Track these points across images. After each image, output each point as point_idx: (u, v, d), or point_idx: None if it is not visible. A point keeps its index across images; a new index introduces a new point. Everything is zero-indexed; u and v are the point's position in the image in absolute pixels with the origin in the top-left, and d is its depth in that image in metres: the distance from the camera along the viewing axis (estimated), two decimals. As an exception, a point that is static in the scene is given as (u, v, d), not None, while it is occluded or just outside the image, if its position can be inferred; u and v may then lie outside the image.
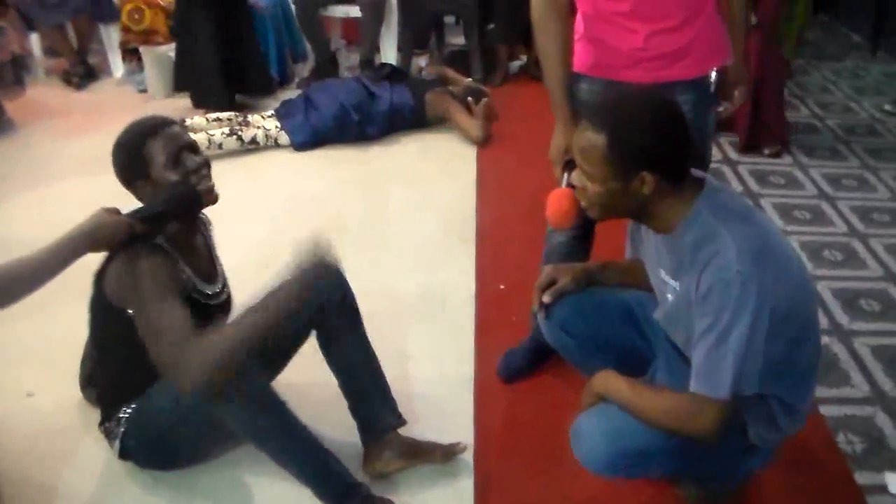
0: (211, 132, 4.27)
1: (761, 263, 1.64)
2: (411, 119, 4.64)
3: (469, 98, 4.63)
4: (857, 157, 4.50)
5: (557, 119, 2.29)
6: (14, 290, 1.75)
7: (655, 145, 1.68)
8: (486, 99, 4.65)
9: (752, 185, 4.14)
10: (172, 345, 1.82)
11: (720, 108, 2.46)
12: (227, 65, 4.78)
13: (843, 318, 3.02)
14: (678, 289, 1.82)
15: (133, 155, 1.98)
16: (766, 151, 4.45)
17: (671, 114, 1.72)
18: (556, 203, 2.03)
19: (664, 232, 1.81)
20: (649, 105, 1.72)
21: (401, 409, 2.28)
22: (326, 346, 2.26)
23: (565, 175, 2.01)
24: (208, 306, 2.12)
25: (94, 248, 1.91)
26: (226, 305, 2.23)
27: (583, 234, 2.48)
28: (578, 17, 2.27)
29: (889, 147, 4.66)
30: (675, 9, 2.15)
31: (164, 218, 1.98)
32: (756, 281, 1.62)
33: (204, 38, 4.69)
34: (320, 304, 2.22)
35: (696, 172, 1.80)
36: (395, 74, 4.87)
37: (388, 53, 5.58)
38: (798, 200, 3.98)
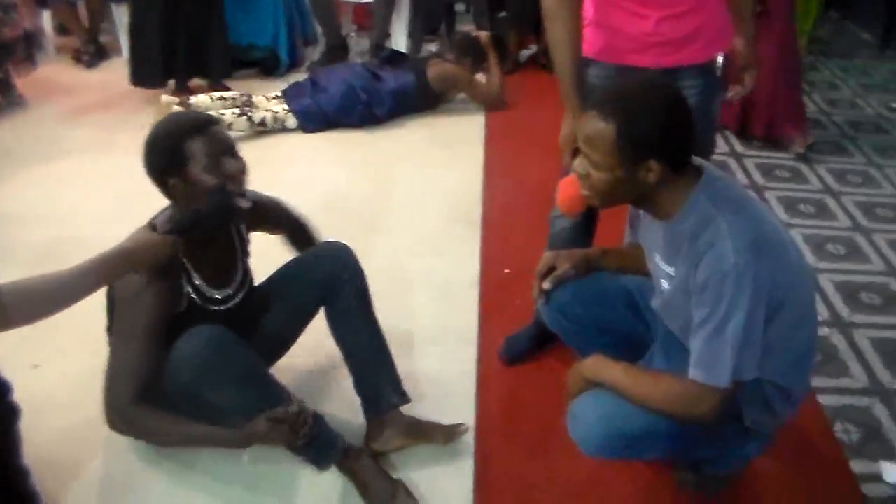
0: (221, 111, 4.28)
1: (757, 253, 1.65)
2: (418, 97, 4.65)
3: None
4: (862, 154, 4.52)
5: (566, 107, 2.29)
6: (41, 310, 1.61)
7: (665, 133, 1.69)
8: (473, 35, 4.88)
9: (758, 178, 4.16)
10: (116, 389, 1.96)
11: (730, 94, 2.48)
12: (172, 43, 4.66)
13: (843, 311, 3.04)
14: (673, 275, 1.84)
15: (173, 150, 1.88)
16: (799, 150, 4.43)
17: (678, 101, 1.73)
18: (567, 189, 2.05)
19: (663, 218, 1.82)
20: (658, 92, 1.73)
21: (405, 388, 2.30)
22: (334, 323, 2.29)
23: (574, 162, 2.04)
24: (215, 311, 2.10)
25: (136, 269, 1.82)
26: (240, 307, 2.19)
27: (586, 220, 2.50)
28: (587, 2, 2.28)
29: (895, 144, 4.67)
30: None
31: (202, 229, 1.95)
32: (752, 271, 1.64)
33: (151, 13, 4.62)
34: (329, 281, 2.26)
35: (695, 160, 1.82)
36: (394, 58, 4.89)
37: (399, 39, 5.59)
38: (803, 194, 4.00)
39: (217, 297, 2.11)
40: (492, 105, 4.78)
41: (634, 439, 1.85)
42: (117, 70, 5.48)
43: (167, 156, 1.89)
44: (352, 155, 4.23)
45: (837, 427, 2.46)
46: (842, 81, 5.74)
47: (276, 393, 2.02)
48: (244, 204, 1.97)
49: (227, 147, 1.95)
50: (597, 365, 1.92)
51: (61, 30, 5.85)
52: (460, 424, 2.28)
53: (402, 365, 2.31)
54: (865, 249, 3.50)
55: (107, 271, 1.74)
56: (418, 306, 2.95)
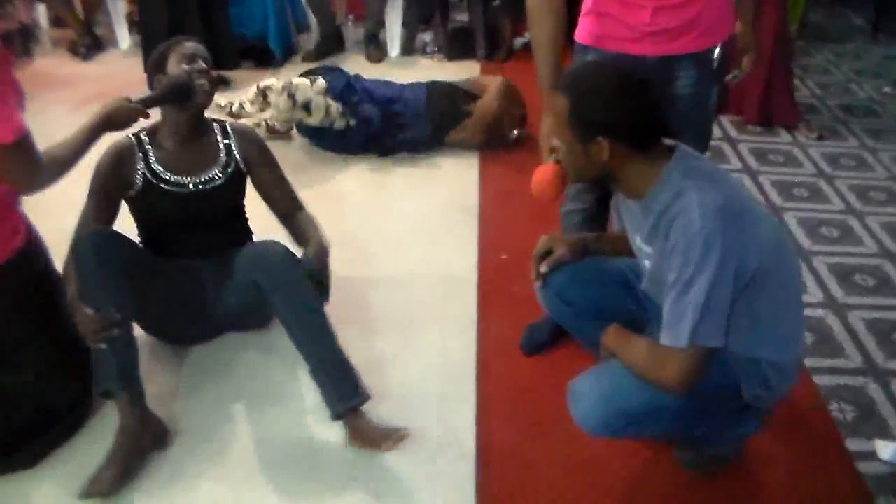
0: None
1: (725, 221, 1.70)
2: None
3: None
4: (855, 137, 4.55)
5: (545, 106, 2.29)
6: (61, 168, 2.14)
7: (612, 114, 1.76)
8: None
9: (752, 162, 4.19)
10: (77, 227, 2.40)
11: (729, 77, 2.50)
12: (177, 29, 4.39)
13: (838, 293, 3.08)
14: (652, 254, 1.89)
15: (160, 53, 2.45)
16: (814, 135, 4.50)
17: (634, 86, 1.78)
18: (540, 174, 2.05)
19: (635, 196, 1.88)
20: (613, 76, 1.80)
21: (403, 376, 2.32)
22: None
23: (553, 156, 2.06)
24: (171, 192, 2.45)
25: (111, 128, 2.31)
26: (202, 200, 2.49)
27: (595, 213, 2.55)
28: None
29: (888, 128, 4.71)
30: None
31: (162, 102, 2.42)
32: (719, 237, 1.68)
33: (157, 7, 4.61)
34: (254, 288, 2.31)
35: (668, 141, 1.87)
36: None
37: (394, 29, 5.61)
38: (797, 178, 4.04)
39: (169, 178, 2.45)
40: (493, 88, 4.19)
41: (635, 417, 1.89)
42: (114, 61, 5.51)
43: (156, 57, 2.47)
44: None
45: (833, 406, 2.50)
46: (835, 66, 5.77)
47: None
48: (201, 83, 2.41)
49: (198, 52, 2.46)
50: (613, 332, 1.99)
51: (56, 22, 5.83)
52: (399, 429, 2.28)
53: (401, 353, 2.32)
54: (859, 232, 3.54)
55: (93, 131, 2.25)
56: (416, 293, 2.97)
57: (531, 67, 2.38)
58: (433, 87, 4.21)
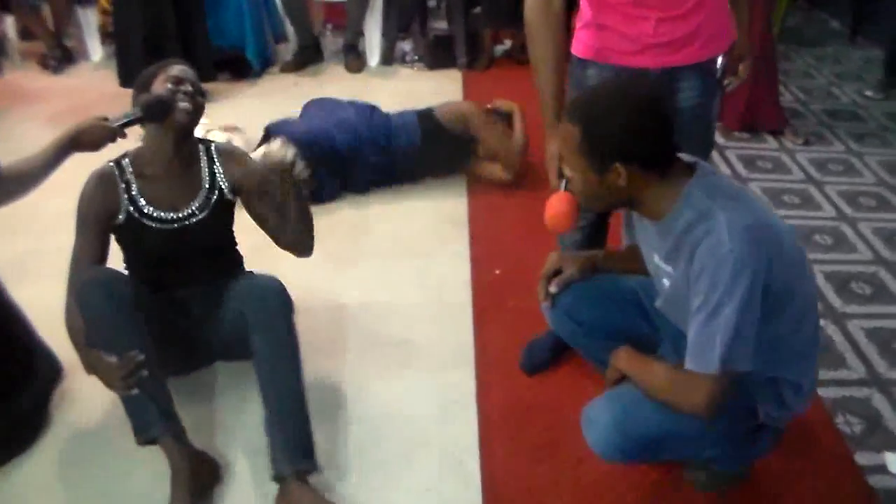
0: None
1: (754, 241, 1.65)
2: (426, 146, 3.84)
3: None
4: (841, 142, 4.55)
5: (548, 126, 2.24)
6: (26, 185, 2.13)
7: (626, 139, 1.69)
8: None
9: (741, 169, 4.16)
10: (70, 269, 2.26)
11: (725, 83, 2.46)
12: (157, 47, 4.47)
13: (836, 302, 3.04)
14: (673, 273, 1.82)
15: (148, 74, 2.34)
16: (800, 141, 4.49)
17: (649, 104, 1.72)
18: (554, 206, 2.01)
19: (655, 218, 1.81)
20: (626, 97, 1.73)
21: (400, 401, 2.25)
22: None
23: (563, 181, 1.99)
24: (154, 228, 2.30)
25: (80, 148, 2.21)
26: (187, 235, 2.34)
27: (595, 231, 2.48)
28: (583, 3, 2.25)
29: (871, 132, 4.71)
30: None
31: (138, 122, 2.25)
32: (749, 259, 1.63)
33: (133, 16, 4.53)
34: (242, 321, 2.21)
35: (686, 157, 1.81)
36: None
37: (373, 38, 5.54)
38: (786, 185, 4.01)
39: (152, 214, 2.30)
40: (508, 164, 3.79)
41: (650, 441, 1.84)
42: (85, 74, 5.41)
43: (144, 76, 2.35)
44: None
45: (839, 419, 2.45)
46: (815, 70, 5.78)
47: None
48: (183, 105, 2.26)
49: (186, 76, 2.33)
50: (622, 356, 1.93)
51: (25, 34, 5.71)
52: None
53: (397, 375, 2.26)
54: (852, 239, 3.51)
55: (60, 149, 2.17)
56: (410, 312, 2.90)
57: (513, 75, 2.34)
58: (427, 140, 3.80)
